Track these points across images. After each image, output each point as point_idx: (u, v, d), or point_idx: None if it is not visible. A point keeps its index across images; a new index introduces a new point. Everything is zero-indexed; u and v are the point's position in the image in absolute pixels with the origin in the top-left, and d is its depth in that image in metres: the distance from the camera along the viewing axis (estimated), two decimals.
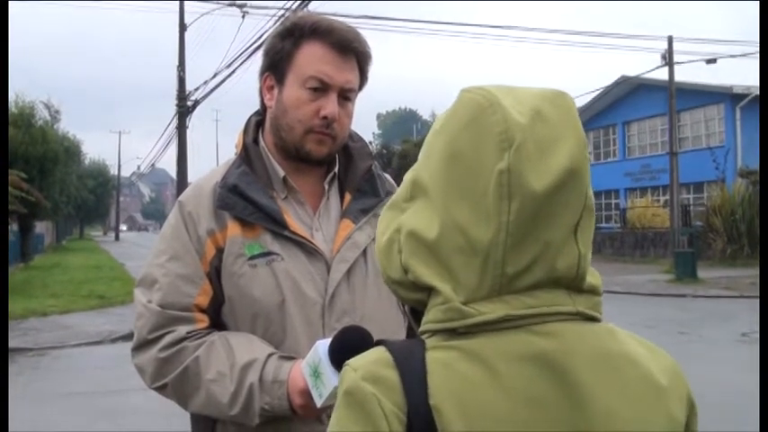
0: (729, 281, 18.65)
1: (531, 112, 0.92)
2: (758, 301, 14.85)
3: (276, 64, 1.71)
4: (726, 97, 30.88)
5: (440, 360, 0.90)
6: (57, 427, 6.80)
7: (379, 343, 0.96)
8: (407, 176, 1.02)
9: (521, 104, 0.93)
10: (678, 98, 25.22)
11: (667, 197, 27.69)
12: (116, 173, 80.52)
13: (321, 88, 1.66)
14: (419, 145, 1.33)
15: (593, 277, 0.97)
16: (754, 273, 20.06)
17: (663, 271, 21.82)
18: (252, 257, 1.64)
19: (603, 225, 35.09)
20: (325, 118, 1.67)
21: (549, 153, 0.90)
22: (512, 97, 0.94)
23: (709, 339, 10.81)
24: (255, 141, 1.78)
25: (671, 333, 11.25)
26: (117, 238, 76.84)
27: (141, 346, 1.66)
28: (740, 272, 20.92)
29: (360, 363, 0.92)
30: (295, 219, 1.70)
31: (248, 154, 1.75)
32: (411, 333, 1.70)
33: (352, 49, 1.68)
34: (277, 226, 1.66)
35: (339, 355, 1.37)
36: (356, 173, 1.80)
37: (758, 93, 27.88)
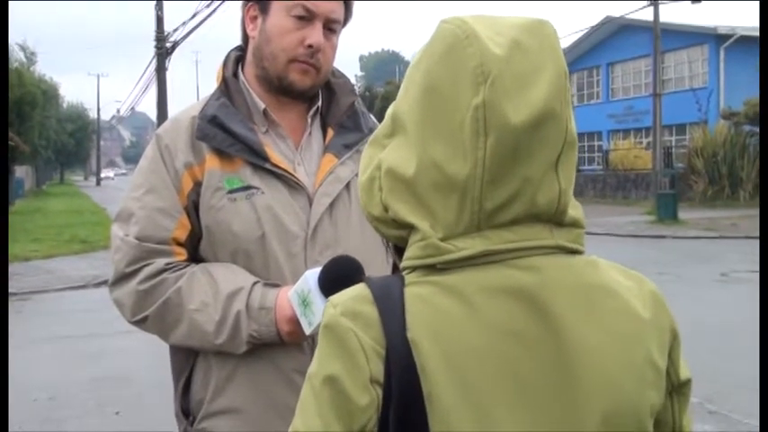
0: (710, 222, 18.85)
1: (510, 42, 0.89)
2: (738, 241, 15.07)
3: None
4: (710, 38, 30.75)
5: (418, 295, 0.90)
6: (41, 371, 6.84)
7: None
8: (389, 111, 1.01)
9: (499, 35, 0.90)
10: (662, 39, 25.03)
11: (650, 139, 27.71)
12: (95, 116, 79.53)
13: (306, 17, 1.64)
14: None
15: (574, 210, 0.96)
16: (734, 214, 20.33)
17: (644, 212, 22.02)
18: (231, 191, 1.62)
19: (586, 167, 35.23)
20: (310, 47, 1.64)
21: (527, 86, 0.88)
22: (489, 28, 0.91)
23: (688, 279, 10.95)
24: (235, 75, 1.75)
25: (650, 273, 11.28)
26: (98, 183, 75.90)
27: (119, 280, 1.64)
28: (720, 213, 21.17)
29: (340, 299, 0.92)
30: (276, 152, 1.67)
31: (228, 87, 1.72)
32: (397, 268, 1.71)
33: None
34: (258, 158, 1.63)
35: (330, 284, 1.38)
36: (339, 108, 1.77)
37: (743, 34, 27.82)
